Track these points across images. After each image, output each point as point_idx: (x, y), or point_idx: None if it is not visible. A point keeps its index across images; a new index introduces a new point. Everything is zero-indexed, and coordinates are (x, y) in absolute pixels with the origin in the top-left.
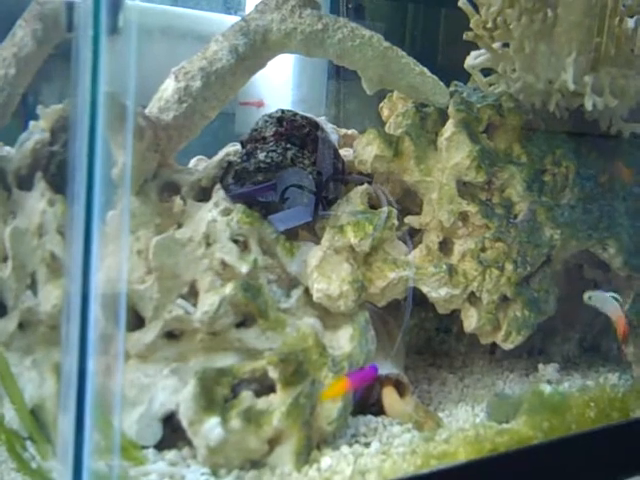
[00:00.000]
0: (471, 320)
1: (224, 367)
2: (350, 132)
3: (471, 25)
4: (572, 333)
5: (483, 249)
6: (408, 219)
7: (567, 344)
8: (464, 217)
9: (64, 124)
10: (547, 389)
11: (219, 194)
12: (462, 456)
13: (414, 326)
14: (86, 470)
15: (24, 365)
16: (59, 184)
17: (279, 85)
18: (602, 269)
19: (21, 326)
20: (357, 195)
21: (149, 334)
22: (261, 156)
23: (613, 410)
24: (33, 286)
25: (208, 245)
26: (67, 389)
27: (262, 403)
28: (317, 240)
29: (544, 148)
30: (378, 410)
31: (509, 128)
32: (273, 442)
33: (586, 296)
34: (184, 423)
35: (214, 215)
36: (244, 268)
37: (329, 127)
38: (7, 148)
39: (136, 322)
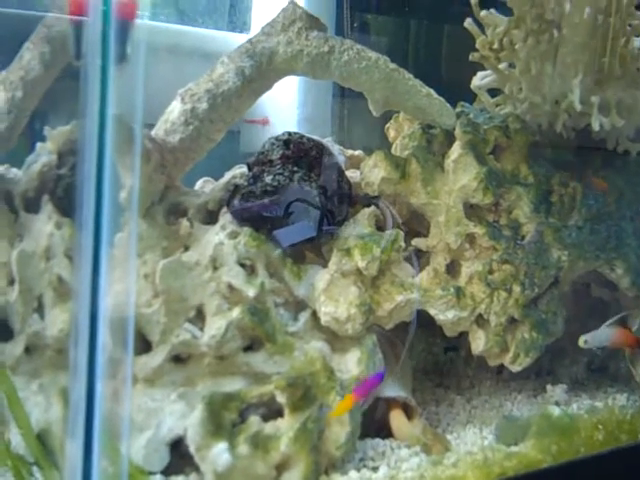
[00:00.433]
0: (479, 342)
1: (232, 392)
2: (357, 153)
3: (477, 46)
4: (580, 354)
5: (491, 271)
6: (415, 241)
7: (575, 365)
8: (471, 239)
9: (71, 147)
10: (555, 411)
11: (226, 217)
12: None
13: (422, 349)
14: None
15: (30, 389)
16: (66, 207)
17: (284, 103)
18: (609, 288)
19: (28, 350)
20: (364, 217)
21: (156, 358)
22: (268, 179)
23: (622, 432)
24: (40, 310)
25: (215, 268)
26: (75, 414)
27: (270, 428)
28: (324, 262)
29: (551, 169)
30: (386, 433)
31: (516, 149)
32: (281, 467)
33: (581, 341)
34: (191, 448)
35: (221, 238)
36: (251, 292)
37: (336, 149)
38: (14, 170)
39: (143, 346)
